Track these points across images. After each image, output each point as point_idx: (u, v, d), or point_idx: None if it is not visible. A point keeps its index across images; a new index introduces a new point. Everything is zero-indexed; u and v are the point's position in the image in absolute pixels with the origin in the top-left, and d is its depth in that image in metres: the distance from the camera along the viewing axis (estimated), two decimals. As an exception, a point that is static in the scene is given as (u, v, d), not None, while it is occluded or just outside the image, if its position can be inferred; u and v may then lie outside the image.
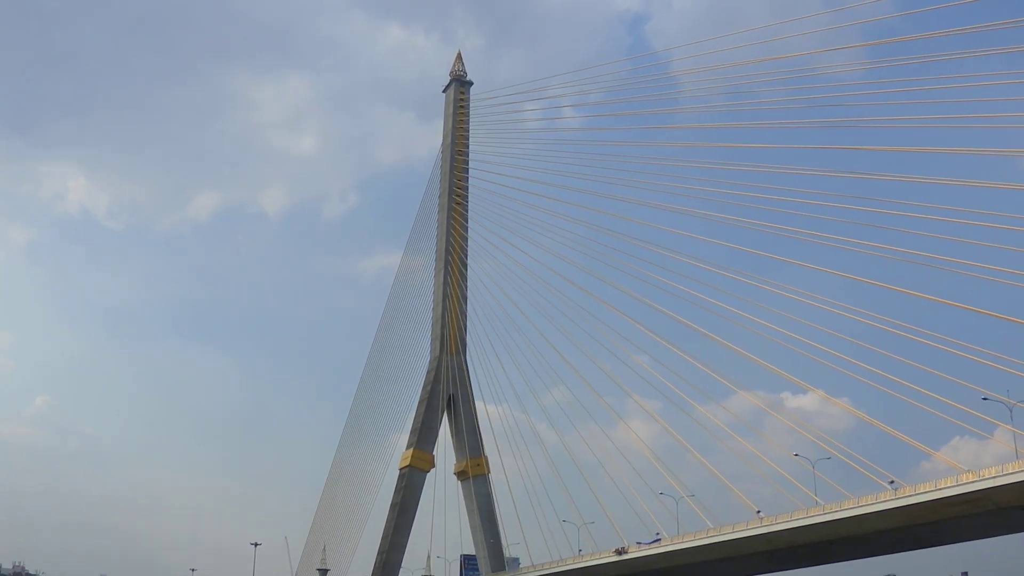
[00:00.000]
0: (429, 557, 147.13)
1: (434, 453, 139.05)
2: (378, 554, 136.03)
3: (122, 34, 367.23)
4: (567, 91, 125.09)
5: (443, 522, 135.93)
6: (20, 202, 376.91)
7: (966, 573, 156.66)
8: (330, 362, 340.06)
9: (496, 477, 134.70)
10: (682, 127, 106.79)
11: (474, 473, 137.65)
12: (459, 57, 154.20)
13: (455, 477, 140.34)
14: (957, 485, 72.86)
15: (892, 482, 77.48)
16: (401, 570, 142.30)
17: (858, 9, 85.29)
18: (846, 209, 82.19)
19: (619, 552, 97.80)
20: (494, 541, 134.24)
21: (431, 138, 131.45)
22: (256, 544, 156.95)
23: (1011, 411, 76.93)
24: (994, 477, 70.89)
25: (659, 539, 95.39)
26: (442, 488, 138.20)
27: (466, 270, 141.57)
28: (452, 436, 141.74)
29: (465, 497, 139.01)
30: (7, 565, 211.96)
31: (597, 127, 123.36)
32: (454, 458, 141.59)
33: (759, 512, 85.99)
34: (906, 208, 77.48)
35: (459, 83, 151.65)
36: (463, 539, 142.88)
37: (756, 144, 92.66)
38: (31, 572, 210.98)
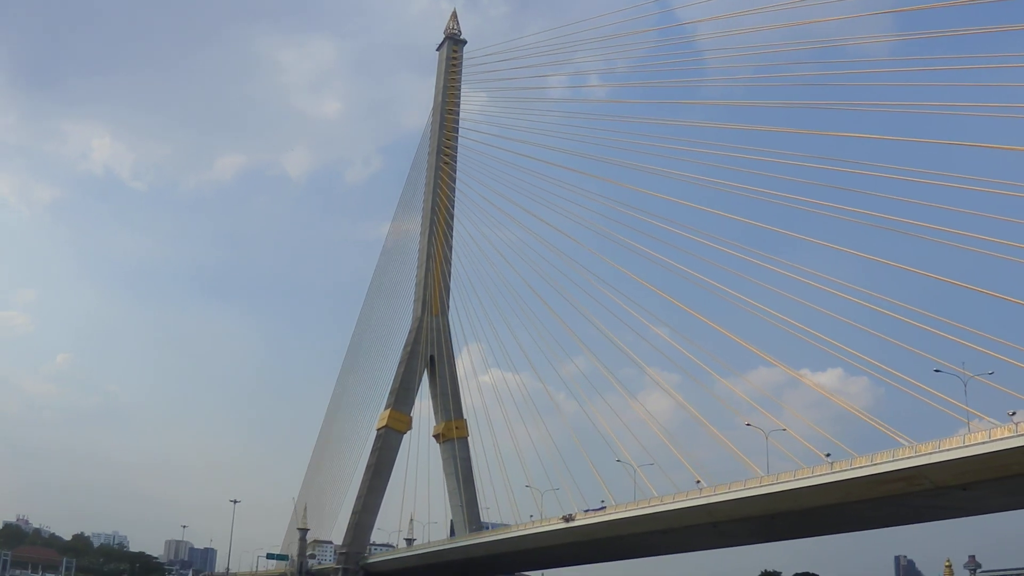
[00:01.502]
0: (412, 521, 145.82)
1: (412, 415, 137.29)
2: (351, 514, 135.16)
3: None
4: (580, 59, 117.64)
5: (427, 485, 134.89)
6: (44, 160, 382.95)
7: (973, 556, 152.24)
8: (349, 325, 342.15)
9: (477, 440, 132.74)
10: (702, 102, 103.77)
11: (451, 436, 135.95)
12: (454, 15, 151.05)
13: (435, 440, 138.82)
14: (892, 460, 68.68)
15: (828, 455, 73.55)
16: (383, 533, 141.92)
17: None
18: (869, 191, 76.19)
19: (567, 519, 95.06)
20: (471, 504, 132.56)
21: (466, 107, 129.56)
22: (235, 501, 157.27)
23: (965, 385, 72.41)
24: (929, 454, 66.52)
25: (604, 507, 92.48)
26: (426, 451, 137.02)
27: (452, 231, 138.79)
28: (432, 398, 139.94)
29: (444, 459, 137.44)
30: (11, 518, 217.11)
31: (620, 98, 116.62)
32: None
33: (699, 482, 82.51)
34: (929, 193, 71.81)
35: (452, 41, 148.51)
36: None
37: (779, 129, 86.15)
38: (35, 526, 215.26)
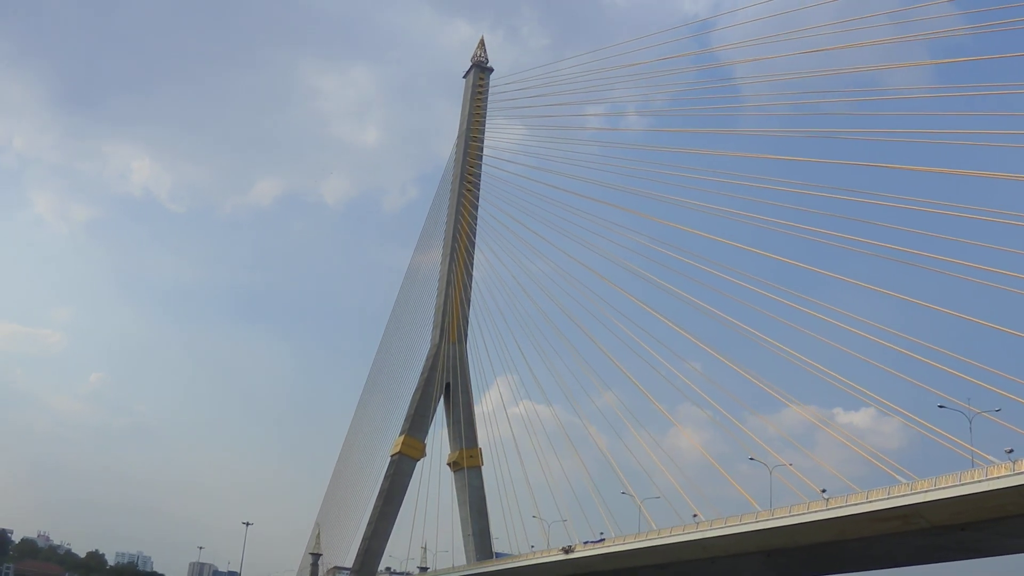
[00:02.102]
0: (424, 549, 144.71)
1: (426, 442, 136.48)
2: (362, 540, 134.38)
3: (188, 16, 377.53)
4: (613, 92, 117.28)
5: (444, 513, 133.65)
6: (83, 179, 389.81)
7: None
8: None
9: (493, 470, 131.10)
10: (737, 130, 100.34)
11: (467, 464, 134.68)
12: (481, 43, 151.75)
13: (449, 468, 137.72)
14: (887, 498, 66.67)
15: (824, 491, 71.53)
16: (396, 561, 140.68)
17: (924, 23, 76.80)
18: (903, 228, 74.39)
19: (566, 550, 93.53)
20: (482, 534, 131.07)
21: (493, 136, 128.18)
22: (248, 524, 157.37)
23: (971, 422, 70.13)
24: (924, 492, 64.45)
25: (603, 539, 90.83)
26: (440, 478, 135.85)
27: (472, 258, 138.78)
28: (447, 425, 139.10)
29: (457, 488, 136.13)
30: (32, 534, 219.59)
31: (653, 129, 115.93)
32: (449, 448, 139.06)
33: (695, 516, 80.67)
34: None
35: (479, 69, 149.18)
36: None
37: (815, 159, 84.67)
38: (55, 543, 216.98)
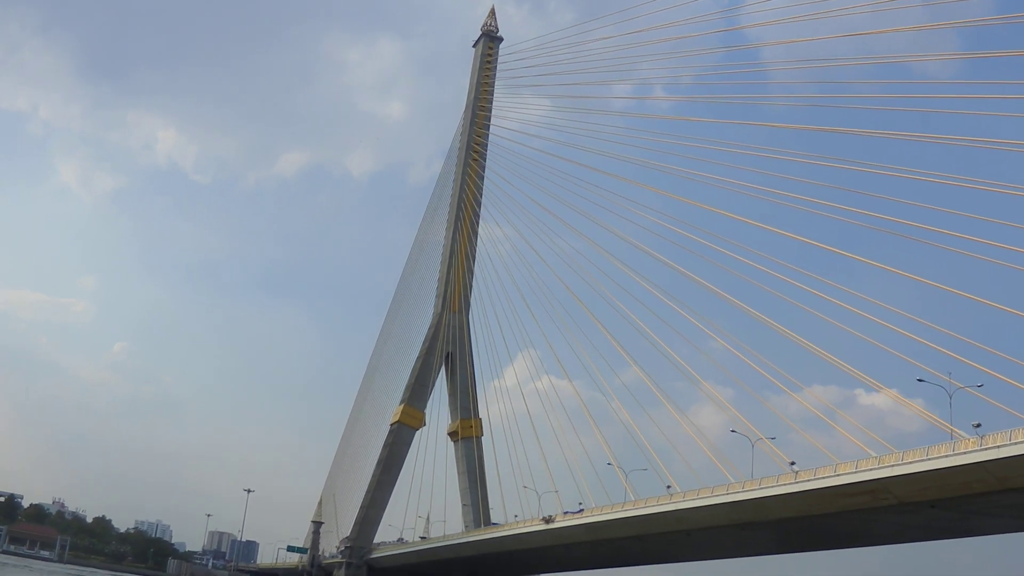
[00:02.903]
0: (428, 519, 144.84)
1: (426, 411, 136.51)
2: (359, 509, 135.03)
3: None
4: (633, 65, 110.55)
5: (441, 483, 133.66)
6: (108, 149, 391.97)
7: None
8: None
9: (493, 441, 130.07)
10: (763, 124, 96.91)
11: (466, 435, 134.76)
12: (492, 12, 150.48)
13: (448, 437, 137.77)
14: (855, 472, 64.93)
15: (793, 463, 70.04)
16: (395, 531, 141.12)
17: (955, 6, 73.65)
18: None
19: (546, 520, 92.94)
20: (481, 504, 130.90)
21: (521, 110, 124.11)
22: (249, 491, 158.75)
23: (951, 397, 68.11)
24: (891, 466, 62.64)
25: (582, 509, 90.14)
26: (435, 448, 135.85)
27: (477, 228, 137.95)
28: (449, 395, 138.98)
29: (457, 458, 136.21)
30: (47, 501, 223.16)
31: (675, 109, 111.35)
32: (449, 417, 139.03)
33: (668, 487, 79.68)
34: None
35: (488, 38, 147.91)
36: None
37: (841, 127, 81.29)
38: (72, 510, 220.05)
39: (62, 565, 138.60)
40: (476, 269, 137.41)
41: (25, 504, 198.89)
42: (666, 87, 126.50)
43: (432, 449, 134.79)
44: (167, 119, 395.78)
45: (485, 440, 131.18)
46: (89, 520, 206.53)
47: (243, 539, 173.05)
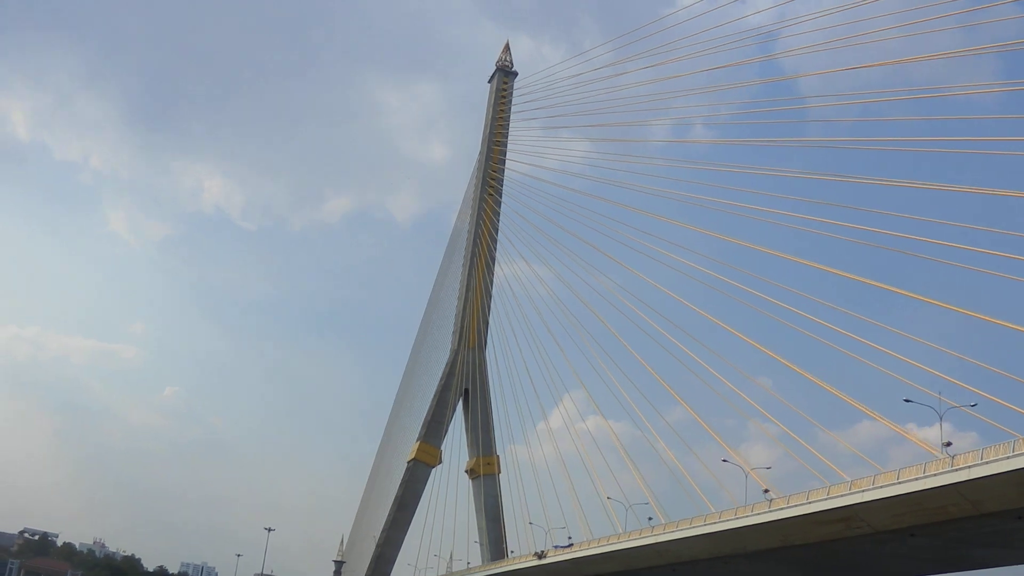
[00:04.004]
0: (451, 558, 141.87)
1: (442, 448, 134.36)
2: (376, 547, 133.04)
3: (256, 37, 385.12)
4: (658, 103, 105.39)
5: (458, 521, 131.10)
6: (156, 197, 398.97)
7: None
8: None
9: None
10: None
11: (484, 472, 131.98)
12: (507, 47, 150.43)
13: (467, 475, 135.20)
14: (826, 499, 61.21)
15: (767, 491, 66.32)
16: (412, 569, 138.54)
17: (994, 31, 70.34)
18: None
19: (539, 555, 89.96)
20: (497, 541, 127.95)
21: (560, 149, 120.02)
22: (270, 529, 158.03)
23: (941, 416, 63.95)
24: (862, 491, 58.78)
25: (571, 544, 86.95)
26: (455, 485, 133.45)
27: (493, 262, 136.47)
28: (466, 432, 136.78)
29: (474, 495, 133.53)
30: (87, 540, 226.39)
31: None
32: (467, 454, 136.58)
33: (650, 519, 76.37)
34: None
35: (503, 73, 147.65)
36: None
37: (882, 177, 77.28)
38: (112, 550, 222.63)
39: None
40: (496, 304, 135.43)
41: (60, 543, 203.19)
42: (704, 123, 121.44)
43: (453, 486, 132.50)
44: (213, 166, 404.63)
45: (507, 477, 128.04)
46: (119, 559, 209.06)
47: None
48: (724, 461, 78.68)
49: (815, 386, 71.61)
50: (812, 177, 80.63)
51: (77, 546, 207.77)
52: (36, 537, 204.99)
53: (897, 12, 74.82)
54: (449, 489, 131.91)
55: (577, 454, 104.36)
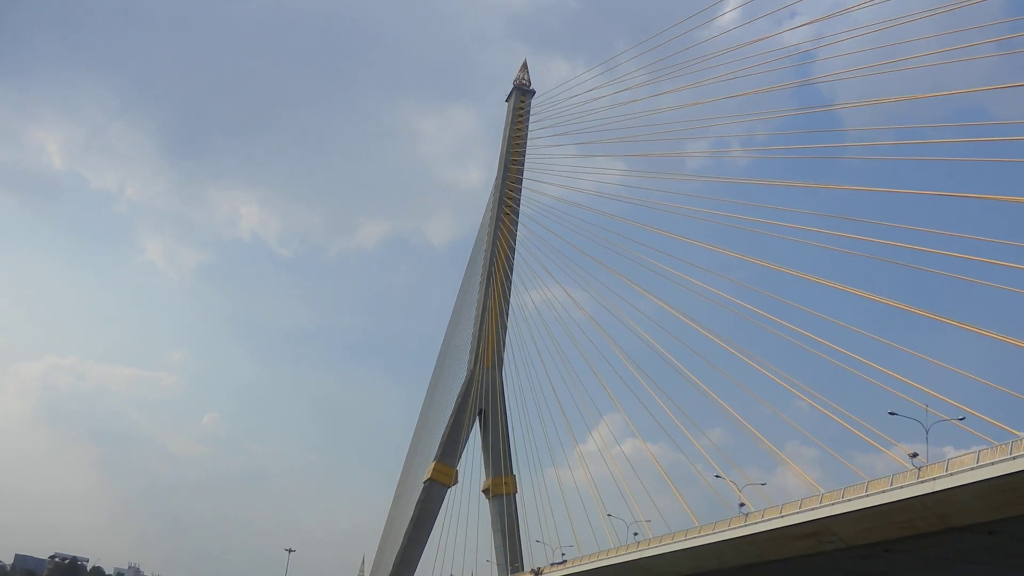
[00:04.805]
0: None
1: (458, 468, 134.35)
2: (392, 568, 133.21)
3: (291, 65, 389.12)
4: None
5: (472, 541, 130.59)
6: (192, 225, 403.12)
7: None
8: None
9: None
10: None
11: (499, 492, 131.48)
12: (524, 66, 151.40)
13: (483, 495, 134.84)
14: (797, 512, 59.96)
15: (742, 505, 65.25)
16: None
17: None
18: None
19: (535, 572, 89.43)
20: (513, 562, 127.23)
21: (597, 173, 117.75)
22: (290, 550, 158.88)
23: (927, 430, 62.41)
24: (830, 504, 57.48)
25: (565, 560, 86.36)
26: (473, 505, 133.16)
27: (510, 282, 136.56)
28: (483, 452, 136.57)
29: (492, 516, 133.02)
30: (122, 565, 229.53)
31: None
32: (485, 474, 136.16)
33: (636, 534, 75.51)
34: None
35: (520, 91, 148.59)
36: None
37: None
38: (147, 575, 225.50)
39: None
40: (512, 324, 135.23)
41: (90, 567, 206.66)
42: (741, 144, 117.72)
43: (471, 506, 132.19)
44: (248, 194, 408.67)
45: (522, 496, 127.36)
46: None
47: None
48: (717, 476, 77.88)
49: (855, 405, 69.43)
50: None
51: (107, 570, 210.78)
52: (67, 561, 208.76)
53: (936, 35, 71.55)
54: (468, 509, 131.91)
55: (592, 474, 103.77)
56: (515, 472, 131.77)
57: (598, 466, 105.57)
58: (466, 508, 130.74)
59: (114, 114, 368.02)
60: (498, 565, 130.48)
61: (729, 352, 78.67)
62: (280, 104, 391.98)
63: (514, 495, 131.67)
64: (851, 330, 70.01)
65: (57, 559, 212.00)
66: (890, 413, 64.10)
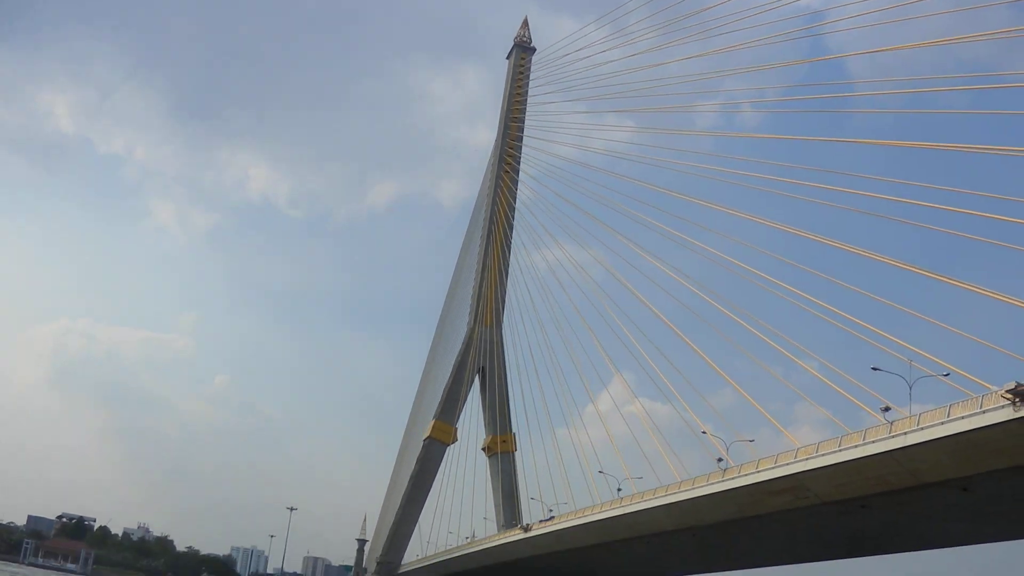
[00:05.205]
0: (473, 537, 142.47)
1: (457, 426, 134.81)
2: (391, 525, 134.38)
3: (301, 27, 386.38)
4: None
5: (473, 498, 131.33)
6: (202, 188, 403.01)
7: None
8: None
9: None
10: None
11: (499, 450, 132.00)
12: (525, 23, 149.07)
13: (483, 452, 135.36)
14: (772, 467, 59.74)
15: (720, 460, 65.14)
16: (432, 547, 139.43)
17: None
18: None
19: (524, 529, 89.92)
20: (512, 519, 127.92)
21: (608, 133, 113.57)
22: (292, 508, 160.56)
23: (911, 386, 61.44)
24: (805, 459, 57.19)
25: (552, 516, 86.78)
26: (472, 463, 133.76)
27: (510, 240, 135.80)
28: (482, 410, 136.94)
29: (491, 474, 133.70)
30: (132, 525, 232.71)
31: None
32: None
33: (619, 490, 75.74)
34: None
35: (521, 48, 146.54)
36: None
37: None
38: (157, 535, 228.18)
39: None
40: (515, 284, 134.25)
41: (96, 527, 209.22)
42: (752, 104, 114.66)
43: (471, 463, 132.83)
44: (258, 156, 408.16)
45: (525, 455, 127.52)
46: (180, 549, 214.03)
47: (284, 555, 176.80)
48: (703, 432, 77.47)
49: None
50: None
51: (115, 530, 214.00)
52: (73, 521, 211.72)
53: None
54: (468, 467, 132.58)
55: (590, 434, 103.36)
56: (514, 430, 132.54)
57: (595, 427, 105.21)
58: (465, 467, 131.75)
59: (123, 76, 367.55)
60: (497, 522, 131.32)
61: (729, 316, 77.34)
62: (290, 66, 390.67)
63: (513, 453, 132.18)
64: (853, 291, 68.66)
65: (64, 519, 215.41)
66: (873, 368, 63.39)
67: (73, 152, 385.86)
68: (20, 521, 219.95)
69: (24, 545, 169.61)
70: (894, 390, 62.14)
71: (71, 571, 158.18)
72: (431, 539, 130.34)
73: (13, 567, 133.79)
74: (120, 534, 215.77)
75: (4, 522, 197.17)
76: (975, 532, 62.71)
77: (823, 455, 55.74)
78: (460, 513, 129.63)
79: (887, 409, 53.95)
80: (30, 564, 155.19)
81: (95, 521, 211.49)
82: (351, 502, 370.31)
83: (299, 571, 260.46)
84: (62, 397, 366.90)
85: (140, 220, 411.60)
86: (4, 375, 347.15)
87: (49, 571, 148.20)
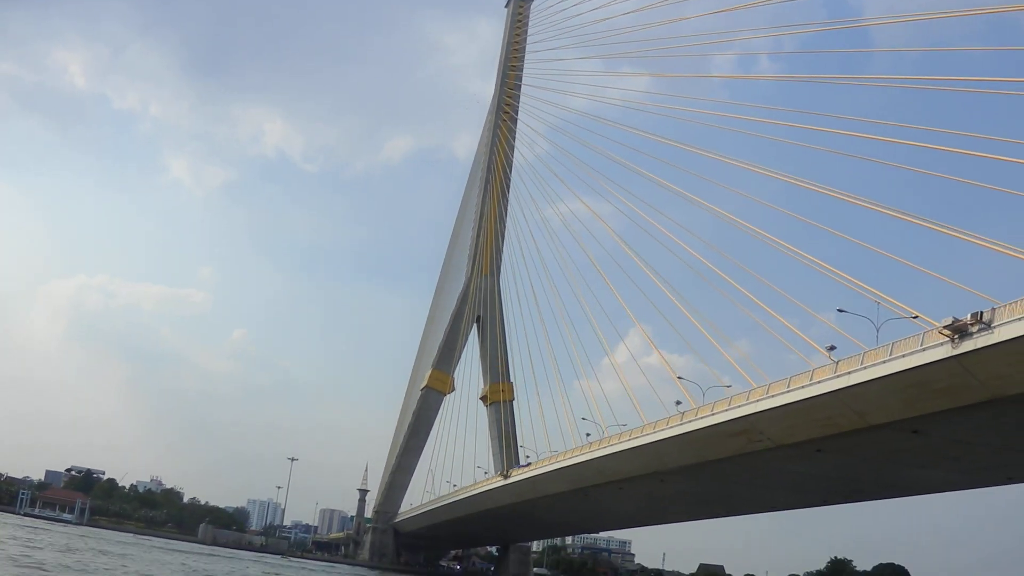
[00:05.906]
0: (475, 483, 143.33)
1: (455, 375, 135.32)
2: (389, 473, 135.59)
3: None
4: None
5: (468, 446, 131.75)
6: (217, 143, 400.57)
7: None
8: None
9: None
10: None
11: (497, 399, 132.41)
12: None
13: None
14: (726, 410, 59.00)
15: (679, 403, 64.63)
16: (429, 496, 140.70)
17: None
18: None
19: (504, 476, 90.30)
20: (511, 466, 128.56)
21: (626, 83, 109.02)
22: (293, 459, 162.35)
23: (878, 330, 60.23)
24: (756, 401, 56.39)
25: (529, 463, 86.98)
26: (471, 412, 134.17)
27: (508, 189, 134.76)
28: (480, 359, 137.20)
29: (490, 422, 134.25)
30: (145, 479, 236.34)
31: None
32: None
33: (588, 435, 75.63)
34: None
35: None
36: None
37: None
38: (167, 487, 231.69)
39: (77, 527, 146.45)
40: (513, 233, 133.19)
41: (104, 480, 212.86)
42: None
43: (470, 412, 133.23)
44: (273, 111, 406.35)
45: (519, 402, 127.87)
46: (186, 500, 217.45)
47: (285, 506, 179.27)
48: (680, 378, 76.74)
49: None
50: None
51: (124, 483, 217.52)
52: (81, 474, 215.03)
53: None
54: (466, 416, 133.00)
55: (586, 384, 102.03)
56: (512, 379, 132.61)
57: (590, 379, 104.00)
58: (466, 416, 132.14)
59: (136, 32, 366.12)
60: (495, 470, 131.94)
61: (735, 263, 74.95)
62: (303, 20, 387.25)
63: (511, 402, 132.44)
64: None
65: (73, 472, 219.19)
66: (839, 310, 62.25)
67: (88, 108, 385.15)
68: (38, 476, 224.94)
69: (20, 495, 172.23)
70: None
71: (66, 520, 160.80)
72: (429, 488, 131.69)
73: (6, 517, 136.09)
74: (128, 487, 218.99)
75: (19, 477, 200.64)
76: (934, 479, 61.87)
77: (772, 396, 54.84)
78: (462, 462, 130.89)
79: (832, 348, 52.83)
80: (25, 514, 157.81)
81: (103, 474, 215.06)
82: (364, 454, 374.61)
83: (315, 523, 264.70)
84: (80, 353, 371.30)
85: (156, 175, 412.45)
86: (23, 332, 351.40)
87: (40, 520, 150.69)
